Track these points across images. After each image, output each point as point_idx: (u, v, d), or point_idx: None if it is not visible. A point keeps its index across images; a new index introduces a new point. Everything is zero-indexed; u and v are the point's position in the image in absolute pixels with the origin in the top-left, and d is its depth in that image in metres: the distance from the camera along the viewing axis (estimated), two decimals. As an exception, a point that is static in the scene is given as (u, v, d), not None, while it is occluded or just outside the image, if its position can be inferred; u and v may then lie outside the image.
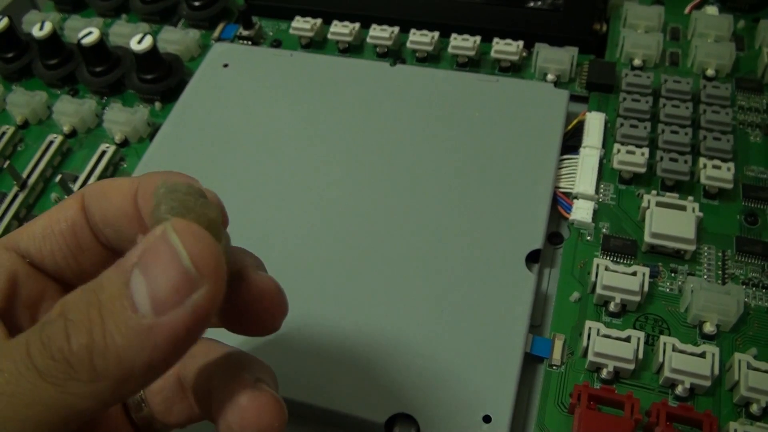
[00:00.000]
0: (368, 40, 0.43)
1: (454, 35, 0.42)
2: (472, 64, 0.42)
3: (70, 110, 0.42)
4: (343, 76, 0.40)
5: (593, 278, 0.31)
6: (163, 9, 0.48)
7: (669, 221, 0.32)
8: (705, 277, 0.31)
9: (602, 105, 0.39)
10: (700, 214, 0.32)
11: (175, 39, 0.45)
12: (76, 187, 0.38)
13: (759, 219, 0.33)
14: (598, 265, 0.31)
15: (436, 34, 0.42)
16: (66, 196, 0.38)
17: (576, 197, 0.34)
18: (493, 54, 0.41)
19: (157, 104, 0.43)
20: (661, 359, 0.28)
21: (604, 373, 0.28)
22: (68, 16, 0.50)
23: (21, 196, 0.38)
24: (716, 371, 0.28)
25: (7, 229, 0.37)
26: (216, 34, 0.47)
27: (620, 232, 0.33)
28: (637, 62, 0.40)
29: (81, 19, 0.49)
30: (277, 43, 0.46)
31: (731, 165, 0.34)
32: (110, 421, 0.22)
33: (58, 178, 0.37)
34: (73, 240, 0.20)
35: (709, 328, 0.29)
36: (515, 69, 0.42)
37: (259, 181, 0.36)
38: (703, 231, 0.33)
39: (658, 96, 0.38)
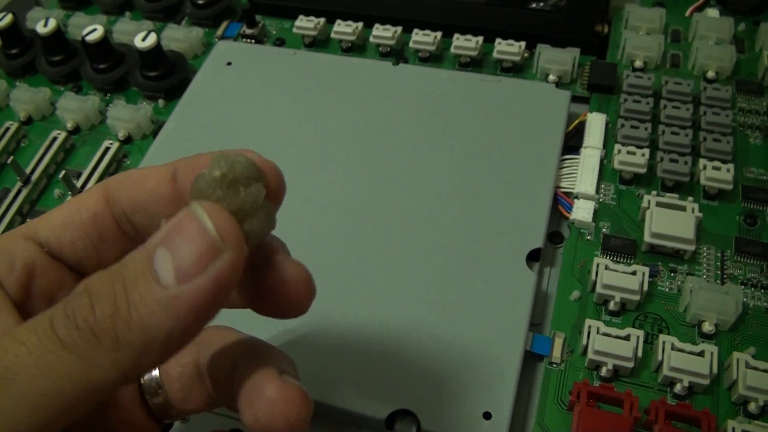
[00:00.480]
0: (371, 39, 0.43)
1: (456, 35, 0.42)
2: (475, 64, 0.43)
3: (73, 107, 0.42)
4: (345, 75, 0.40)
5: (593, 277, 0.31)
6: (167, 7, 0.48)
7: (669, 221, 0.32)
8: (704, 277, 0.32)
9: (603, 106, 0.39)
10: (700, 215, 0.33)
11: (179, 37, 0.46)
12: (79, 183, 0.38)
13: (758, 220, 0.34)
14: (598, 265, 0.31)
15: (439, 34, 0.42)
16: (69, 192, 0.38)
17: (577, 197, 0.35)
18: (495, 54, 0.41)
19: (161, 101, 0.43)
20: (660, 358, 0.28)
21: (603, 371, 0.29)
22: (72, 13, 0.50)
23: (24, 192, 0.39)
24: (715, 370, 0.28)
25: (11, 225, 0.37)
26: (219, 32, 0.47)
27: (620, 232, 0.33)
28: (638, 64, 0.40)
29: (85, 16, 0.50)
30: (280, 42, 0.46)
31: (731, 166, 0.34)
32: (125, 407, 0.22)
33: (61, 174, 0.37)
34: (94, 230, 0.20)
35: (707, 327, 0.30)
36: (517, 69, 0.42)
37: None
38: (703, 231, 0.33)
39: (659, 97, 0.38)
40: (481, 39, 0.42)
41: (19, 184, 0.39)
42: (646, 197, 0.34)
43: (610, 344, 0.28)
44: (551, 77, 0.40)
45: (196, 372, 0.22)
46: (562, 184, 0.35)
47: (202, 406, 0.22)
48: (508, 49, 0.41)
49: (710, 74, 0.39)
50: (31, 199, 0.39)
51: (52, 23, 0.44)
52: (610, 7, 0.44)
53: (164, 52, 0.43)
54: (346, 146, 0.37)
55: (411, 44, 0.42)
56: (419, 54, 0.43)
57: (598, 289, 0.30)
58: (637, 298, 0.30)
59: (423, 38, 0.42)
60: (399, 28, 0.43)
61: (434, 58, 0.43)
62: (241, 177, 0.17)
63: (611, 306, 0.30)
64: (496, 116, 0.37)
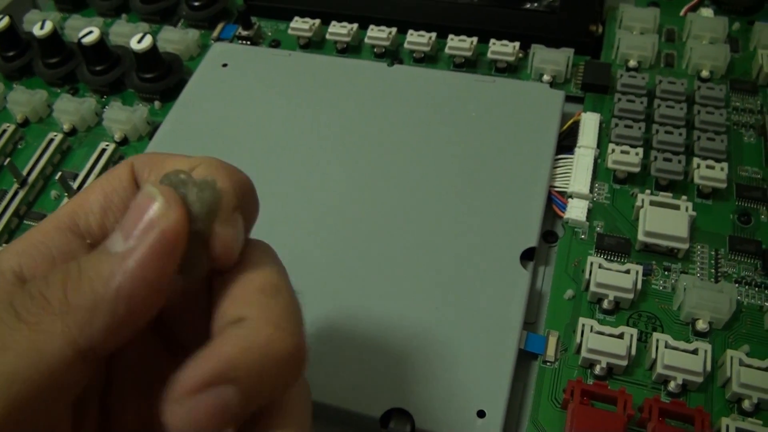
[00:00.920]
0: (366, 40, 0.43)
1: (451, 36, 0.42)
2: (469, 64, 0.43)
3: (70, 108, 0.42)
4: (341, 76, 0.41)
5: (587, 276, 0.31)
6: (163, 9, 0.49)
7: (663, 220, 0.32)
8: (698, 275, 0.32)
9: (597, 105, 0.39)
10: (694, 214, 0.33)
11: (175, 39, 0.46)
12: (75, 185, 0.39)
13: (752, 218, 0.34)
14: (592, 263, 0.31)
15: (434, 35, 0.42)
16: (66, 194, 0.38)
17: (571, 196, 0.35)
18: (489, 55, 0.41)
19: (157, 103, 0.44)
20: (653, 356, 0.28)
21: (597, 370, 0.29)
22: (69, 16, 0.50)
23: (21, 194, 0.39)
24: (708, 368, 0.28)
25: (7, 227, 0.38)
26: (215, 34, 0.47)
27: (614, 231, 0.34)
28: (632, 63, 0.41)
29: (81, 18, 0.50)
30: (275, 44, 0.46)
31: (725, 165, 0.34)
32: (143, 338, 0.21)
33: (58, 175, 0.38)
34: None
35: (701, 325, 0.30)
36: (511, 70, 0.42)
37: (256, 180, 0.36)
38: (697, 230, 0.33)
39: (653, 97, 0.38)
40: (475, 40, 0.42)
41: (15, 186, 0.39)
42: (639, 196, 0.34)
43: (604, 342, 0.29)
44: (545, 77, 0.40)
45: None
46: (556, 184, 0.35)
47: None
48: (502, 49, 0.41)
49: (704, 73, 0.40)
50: (28, 201, 0.39)
51: (49, 26, 0.44)
52: (604, 7, 0.44)
53: (160, 54, 0.43)
54: (342, 147, 0.37)
55: (406, 45, 0.43)
56: (414, 55, 0.43)
57: (592, 288, 0.30)
58: (630, 296, 0.30)
59: (418, 39, 0.42)
60: (394, 29, 0.43)
61: (429, 59, 0.43)
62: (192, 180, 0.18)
63: (605, 304, 0.31)
64: (490, 116, 0.37)
